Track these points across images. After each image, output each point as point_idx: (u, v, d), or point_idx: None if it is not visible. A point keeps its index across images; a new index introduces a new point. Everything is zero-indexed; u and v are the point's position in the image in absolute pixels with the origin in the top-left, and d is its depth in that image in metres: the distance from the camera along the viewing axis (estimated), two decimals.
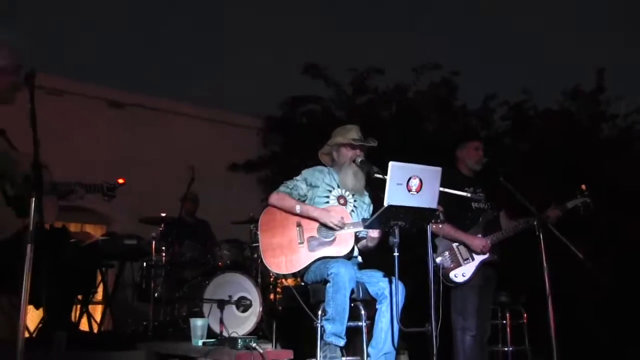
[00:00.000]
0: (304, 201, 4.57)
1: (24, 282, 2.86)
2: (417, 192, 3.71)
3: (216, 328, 5.32)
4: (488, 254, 4.94)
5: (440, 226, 4.30)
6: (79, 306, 6.78)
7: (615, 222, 7.64)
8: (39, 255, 2.93)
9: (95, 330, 7.01)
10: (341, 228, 4.37)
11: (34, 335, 5.82)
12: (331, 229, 4.38)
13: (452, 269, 4.92)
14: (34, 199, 2.93)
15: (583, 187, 4.98)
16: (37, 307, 5.32)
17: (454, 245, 4.96)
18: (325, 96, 10.63)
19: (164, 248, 6.37)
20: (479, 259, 4.94)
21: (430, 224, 3.91)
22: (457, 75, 10.32)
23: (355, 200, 4.62)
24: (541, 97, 10.21)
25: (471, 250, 4.94)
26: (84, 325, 6.83)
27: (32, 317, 5.73)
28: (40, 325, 5.96)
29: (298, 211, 4.44)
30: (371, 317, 4.28)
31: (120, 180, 4.15)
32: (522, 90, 10.12)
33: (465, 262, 4.93)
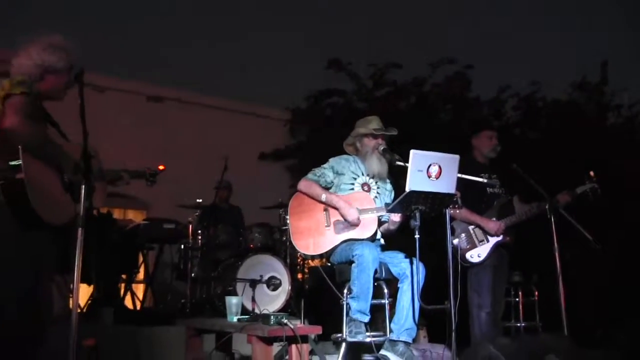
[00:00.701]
0: (330, 187, 4.58)
1: (75, 263, 2.90)
2: (437, 178, 3.71)
3: (249, 305, 5.34)
4: (502, 236, 4.92)
5: (457, 210, 4.28)
6: (123, 284, 6.86)
7: (621, 206, 7.55)
8: (88, 238, 2.97)
9: (138, 307, 7.09)
10: (357, 224, 4.38)
11: (84, 310, 5.91)
12: (350, 223, 4.39)
13: (468, 250, 4.91)
14: (83, 186, 2.98)
15: (591, 173, 4.93)
16: (87, 285, 5.41)
17: (470, 227, 4.95)
18: (348, 89, 10.63)
19: (199, 231, 6.40)
20: (493, 240, 4.92)
21: (448, 208, 3.91)
22: (471, 68, 10.26)
23: (378, 187, 4.62)
24: (549, 89, 10.13)
25: (486, 233, 4.92)
26: (128, 302, 6.91)
27: (82, 294, 5.81)
28: (90, 301, 6.05)
29: (323, 199, 4.46)
30: (393, 295, 4.30)
31: (161, 167, 4.21)
32: (531, 82, 10.07)
33: (480, 243, 4.92)
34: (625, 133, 9.39)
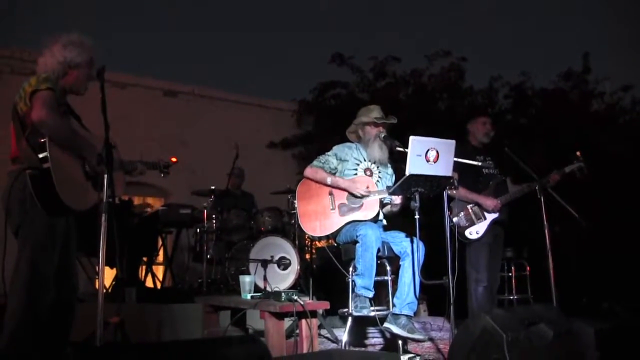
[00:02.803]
0: (334, 173, 4.57)
1: (100, 246, 2.91)
2: (435, 162, 3.70)
3: (261, 284, 5.34)
4: (498, 214, 4.92)
5: (454, 191, 4.27)
6: (144, 266, 6.88)
7: (604, 183, 7.53)
8: (111, 223, 2.98)
9: (159, 287, 7.11)
10: (367, 195, 4.37)
11: (109, 290, 5.93)
12: (358, 197, 4.38)
13: (467, 227, 4.91)
14: (106, 175, 2.99)
15: (578, 153, 4.94)
16: (111, 267, 5.42)
17: (469, 206, 4.95)
18: (350, 81, 10.62)
19: (214, 216, 6.39)
20: (490, 218, 4.92)
21: (446, 190, 3.90)
22: (465, 60, 10.25)
23: (379, 172, 4.60)
24: (538, 78, 10.13)
25: (483, 211, 4.92)
26: (149, 282, 6.93)
27: (107, 276, 5.81)
28: (114, 282, 6.07)
29: (329, 183, 4.45)
30: (395, 272, 4.28)
31: (173, 159, 4.19)
32: (521, 72, 10.05)
33: (478, 221, 4.92)
34: (607, 118, 9.37)
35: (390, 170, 4.70)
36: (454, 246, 3.90)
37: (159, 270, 7.74)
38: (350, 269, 4.28)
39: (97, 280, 3.32)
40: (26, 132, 3.07)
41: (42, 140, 3.00)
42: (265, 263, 5.46)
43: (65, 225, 3.20)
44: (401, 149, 4.17)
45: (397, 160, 4.44)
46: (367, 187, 4.38)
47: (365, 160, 4.60)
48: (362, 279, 4.12)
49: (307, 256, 6.42)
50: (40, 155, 3.00)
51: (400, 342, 4.16)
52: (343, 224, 4.40)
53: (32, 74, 3.25)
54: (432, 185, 3.81)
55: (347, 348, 4.22)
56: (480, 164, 4.73)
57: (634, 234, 7.25)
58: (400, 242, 4.22)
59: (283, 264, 5.74)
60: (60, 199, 2.99)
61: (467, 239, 4.90)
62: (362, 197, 4.37)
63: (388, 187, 4.36)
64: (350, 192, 4.41)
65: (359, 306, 4.13)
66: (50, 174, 2.97)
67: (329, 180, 4.45)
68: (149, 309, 5.09)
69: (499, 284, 5.36)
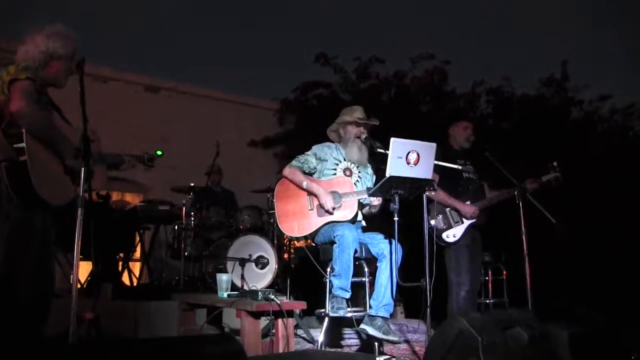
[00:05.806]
0: (314, 173, 4.56)
1: (75, 241, 2.88)
2: (415, 164, 3.72)
3: (238, 283, 5.32)
4: (475, 219, 4.96)
5: (433, 192, 4.29)
6: (120, 262, 6.83)
7: (582, 188, 7.61)
8: (88, 218, 2.95)
9: (135, 283, 7.06)
10: (331, 214, 4.35)
11: (84, 286, 5.87)
12: (325, 210, 4.36)
13: (445, 230, 4.95)
14: (83, 169, 2.95)
15: (554, 163, 5.00)
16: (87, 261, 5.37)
17: (447, 209, 4.99)
18: (333, 82, 10.64)
19: (193, 213, 6.37)
20: (467, 222, 4.97)
21: (425, 193, 3.92)
22: (448, 64, 10.31)
23: (359, 172, 4.60)
24: (520, 84, 10.23)
25: (461, 215, 4.96)
26: (125, 279, 6.87)
27: (82, 271, 5.75)
28: (89, 278, 6.01)
29: (305, 186, 4.43)
30: (372, 274, 4.29)
31: (159, 152, 4.16)
32: (502, 77, 10.14)
33: (455, 224, 4.96)
34: (586, 125, 9.49)
35: (370, 171, 4.69)
36: (432, 249, 3.91)
37: (136, 267, 7.67)
38: (328, 269, 4.27)
39: (71, 275, 3.30)
40: (3, 123, 3.02)
41: (19, 131, 2.95)
42: (243, 262, 5.45)
43: (42, 219, 3.16)
44: (382, 151, 4.17)
45: (379, 162, 4.45)
46: (334, 207, 4.35)
47: (344, 160, 4.60)
48: (339, 279, 4.12)
49: (286, 256, 6.42)
50: (16, 147, 2.94)
51: (376, 343, 4.17)
52: (321, 224, 4.38)
53: (9, 63, 3.20)
54: (411, 187, 3.83)
55: (323, 348, 4.22)
56: (460, 167, 4.76)
57: (611, 239, 7.33)
58: (378, 243, 4.22)
59: (261, 263, 5.73)
60: (36, 193, 2.94)
61: (444, 241, 4.93)
62: (329, 210, 4.36)
63: (368, 189, 4.36)
64: (319, 202, 4.38)
65: (336, 307, 4.12)
66: (26, 166, 2.92)
67: (304, 184, 4.43)
68: (125, 306, 5.05)
69: (479, 287, 5.41)
